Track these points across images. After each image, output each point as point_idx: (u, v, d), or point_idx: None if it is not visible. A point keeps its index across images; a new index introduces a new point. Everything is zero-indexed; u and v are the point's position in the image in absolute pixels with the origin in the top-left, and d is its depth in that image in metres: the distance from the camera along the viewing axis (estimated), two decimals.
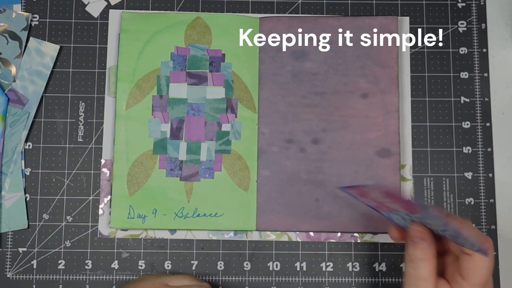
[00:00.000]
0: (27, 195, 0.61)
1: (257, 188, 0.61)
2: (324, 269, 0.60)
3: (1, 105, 0.61)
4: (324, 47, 0.63)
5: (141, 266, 0.60)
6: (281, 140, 0.61)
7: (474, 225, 0.52)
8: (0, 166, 0.60)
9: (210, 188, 0.61)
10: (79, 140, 0.62)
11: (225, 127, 0.61)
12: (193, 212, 0.60)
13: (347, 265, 0.60)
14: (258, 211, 0.61)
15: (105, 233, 0.60)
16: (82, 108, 0.62)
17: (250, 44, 0.63)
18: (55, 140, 0.62)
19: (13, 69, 0.62)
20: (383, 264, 0.60)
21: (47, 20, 0.63)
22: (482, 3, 0.64)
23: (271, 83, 0.62)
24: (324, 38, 0.63)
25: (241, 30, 0.63)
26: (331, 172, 0.61)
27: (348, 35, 0.63)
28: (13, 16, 0.63)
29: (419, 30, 0.64)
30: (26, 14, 0.63)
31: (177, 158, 0.61)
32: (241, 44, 0.63)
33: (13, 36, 0.62)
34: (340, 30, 0.63)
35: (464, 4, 0.65)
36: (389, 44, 0.63)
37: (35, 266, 0.60)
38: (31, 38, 0.63)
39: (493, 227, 0.61)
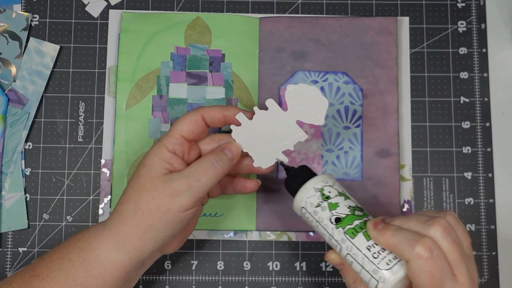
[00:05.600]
0: (27, 195, 0.61)
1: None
2: (323, 269, 0.60)
3: (1, 105, 0.61)
4: (323, 48, 0.63)
5: None
6: None
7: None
8: (0, 166, 0.60)
9: None
10: (79, 140, 0.62)
11: (225, 127, 0.61)
12: None
13: None
14: (258, 211, 0.61)
15: None
16: (82, 108, 0.62)
17: (250, 44, 0.63)
18: (55, 140, 0.62)
19: (13, 69, 0.62)
20: None
21: (47, 20, 0.63)
22: (481, 3, 0.64)
23: (271, 83, 0.62)
24: (324, 38, 0.63)
25: (241, 30, 0.63)
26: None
27: (347, 35, 0.63)
28: (13, 16, 0.63)
29: (419, 30, 0.64)
30: (26, 14, 0.63)
31: None
32: (241, 44, 0.63)
33: (13, 36, 0.62)
34: (340, 30, 0.63)
35: (463, 4, 0.65)
36: (389, 44, 0.63)
37: None
38: (31, 38, 0.63)
39: (492, 227, 0.61)
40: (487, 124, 0.63)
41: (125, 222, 0.48)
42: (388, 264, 0.46)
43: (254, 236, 0.61)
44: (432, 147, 0.62)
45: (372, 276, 0.46)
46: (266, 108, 0.52)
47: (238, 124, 0.52)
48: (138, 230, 0.48)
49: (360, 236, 0.47)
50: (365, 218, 0.49)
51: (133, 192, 0.49)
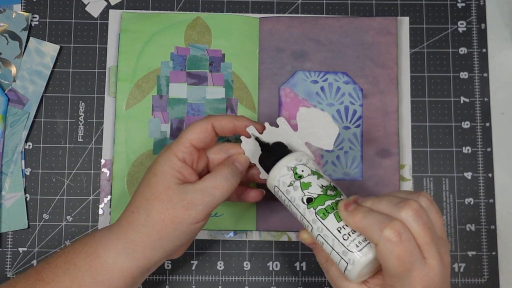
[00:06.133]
0: (27, 195, 0.61)
1: (257, 188, 0.61)
2: None
3: (1, 105, 0.61)
4: (323, 48, 0.63)
5: None
6: None
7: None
8: (0, 166, 0.60)
9: None
10: (79, 140, 0.62)
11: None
12: None
13: None
14: (258, 211, 0.61)
15: None
16: (82, 108, 0.62)
17: (250, 44, 0.63)
18: (55, 140, 0.62)
19: (13, 69, 0.62)
20: None
21: (47, 20, 0.63)
22: (481, 3, 0.64)
23: (271, 83, 0.62)
24: (324, 38, 0.63)
25: (241, 30, 0.63)
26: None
27: (347, 35, 0.63)
28: (13, 16, 0.63)
29: (419, 30, 0.64)
30: (26, 14, 0.63)
31: None
32: (241, 44, 0.63)
33: (13, 36, 0.62)
34: (340, 30, 0.63)
35: (463, 4, 0.65)
36: (389, 44, 0.63)
37: None
38: (31, 38, 0.63)
39: (492, 227, 0.61)
40: (487, 124, 0.63)
41: (136, 230, 0.48)
42: (357, 246, 0.45)
43: (254, 236, 0.61)
44: (432, 147, 0.62)
45: (342, 258, 0.46)
46: (276, 125, 0.53)
47: (248, 136, 0.53)
48: (149, 239, 0.48)
49: (331, 217, 0.47)
50: (338, 198, 0.48)
51: (144, 201, 0.49)
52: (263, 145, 0.52)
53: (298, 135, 0.52)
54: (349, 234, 0.46)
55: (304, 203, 0.48)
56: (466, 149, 0.62)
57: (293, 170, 0.49)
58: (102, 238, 0.49)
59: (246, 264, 0.60)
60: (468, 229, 0.61)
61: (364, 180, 0.61)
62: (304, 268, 0.60)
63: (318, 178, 0.49)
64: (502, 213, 0.61)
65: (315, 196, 0.48)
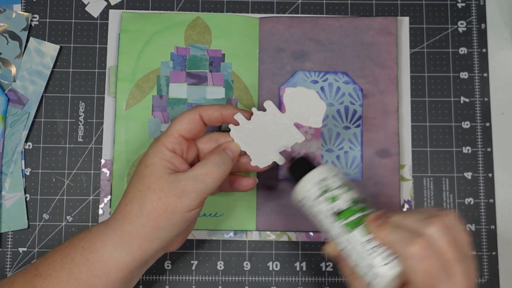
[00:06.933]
0: (27, 195, 0.61)
1: (257, 188, 0.61)
2: (323, 269, 0.60)
3: (1, 105, 0.61)
4: (323, 48, 0.63)
5: None
6: None
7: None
8: (0, 166, 0.60)
9: None
10: (79, 140, 0.62)
11: (225, 127, 0.61)
12: None
13: None
14: (258, 211, 0.61)
15: None
16: (82, 108, 0.62)
17: (250, 44, 0.63)
18: (55, 140, 0.62)
19: (13, 69, 0.62)
20: None
21: (47, 20, 0.63)
22: (481, 3, 0.64)
23: (271, 83, 0.62)
24: (324, 38, 0.63)
25: (241, 30, 0.63)
26: None
27: (347, 35, 0.63)
28: (13, 16, 0.63)
29: (419, 30, 0.64)
30: (26, 14, 0.63)
31: None
32: (241, 44, 0.63)
33: (13, 36, 0.62)
34: (340, 30, 0.63)
35: (464, 4, 0.65)
36: (389, 44, 0.63)
37: None
38: (31, 38, 0.63)
39: (492, 227, 0.61)
40: (487, 124, 0.63)
41: (131, 222, 0.48)
42: (383, 260, 0.46)
43: (254, 236, 0.61)
44: (432, 147, 0.62)
45: (367, 272, 0.46)
46: (264, 109, 0.53)
47: (236, 123, 0.53)
48: (144, 230, 0.48)
49: (358, 230, 0.47)
50: (365, 212, 0.48)
51: (137, 193, 0.49)
52: (290, 158, 0.53)
53: (286, 117, 0.52)
54: (375, 248, 0.46)
55: (330, 216, 0.48)
56: (466, 149, 0.62)
57: (319, 184, 0.49)
58: (98, 232, 0.49)
59: (246, 264, 0.60)
60: (468, 229, 0.61)
61: (364, 180, 0.61)
62: (304, 268, 0.60)
63: (345, 192, 0.49)
64: (502, 213, 0.61)
65: (342, 209, 0.48)
